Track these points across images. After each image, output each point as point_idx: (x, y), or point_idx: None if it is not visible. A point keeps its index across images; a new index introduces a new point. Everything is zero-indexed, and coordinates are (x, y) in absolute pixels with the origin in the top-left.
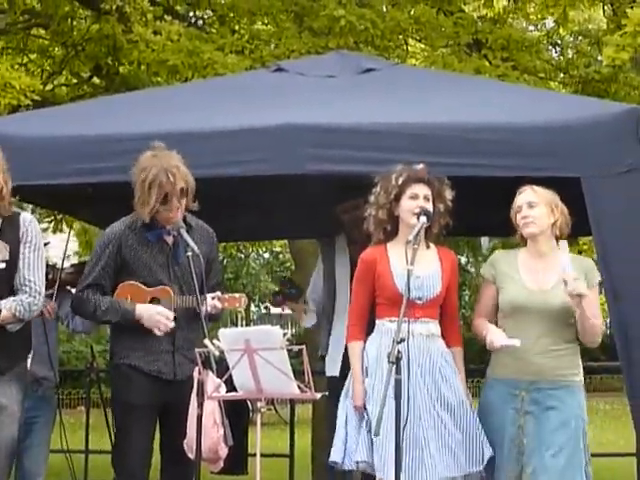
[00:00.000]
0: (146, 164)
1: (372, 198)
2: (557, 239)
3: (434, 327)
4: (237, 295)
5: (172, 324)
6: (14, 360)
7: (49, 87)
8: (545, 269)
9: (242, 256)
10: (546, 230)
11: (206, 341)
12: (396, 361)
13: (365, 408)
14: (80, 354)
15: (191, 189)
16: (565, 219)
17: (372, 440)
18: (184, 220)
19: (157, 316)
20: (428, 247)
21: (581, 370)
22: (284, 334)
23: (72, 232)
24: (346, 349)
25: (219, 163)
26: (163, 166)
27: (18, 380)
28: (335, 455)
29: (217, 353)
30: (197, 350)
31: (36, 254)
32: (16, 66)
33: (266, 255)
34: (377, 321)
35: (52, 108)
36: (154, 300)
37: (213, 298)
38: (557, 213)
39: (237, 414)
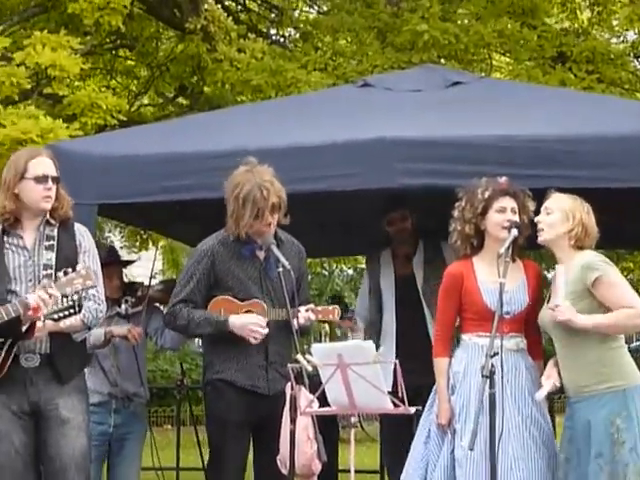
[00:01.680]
0: (240, 179)
1: (457, 213)
2: (580, 248)
3: (521, 342)
4: (330, 307)
5: (266, 331)
6: (76, 371)
7: (135, 107)
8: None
9: (326, 273)
10: (558, 239)
11: (299, 356)
12: (490, 375)
13: (449, 426)
14: (165, 373)
15: (283, 204)
16: (585, 229)
17: (454, 460)
18: (275, 235)
19: (251, 325)
20: (514, 260)
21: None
22: (377, 348)
23: (158, 250)
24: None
25: (308, 178)
26: (257, 181)
27: (79, 391)
28: (411, 474)
29: (309, 368)
30: (290, 365)
31: (95, 263)
32: (102, 87)
33: (350, 271)
34: (463, 337)
35: (138, 127)
36: (247, 313)
37: (307, 310)
38: (573, 222)
39: (328, 430)
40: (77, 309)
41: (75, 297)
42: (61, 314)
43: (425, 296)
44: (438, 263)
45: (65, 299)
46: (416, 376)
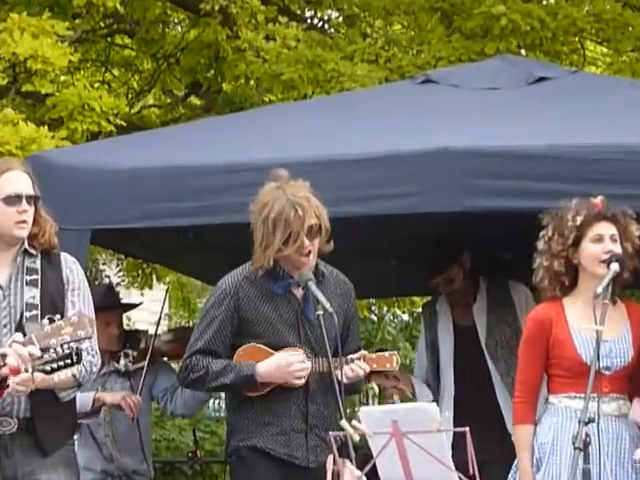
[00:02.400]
0: (268, 198)
1: (542, 244)
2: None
3: (624, 405)
4: (387, 354)
5: (309, 364)
6: (62, 439)
7: (136, 109)
8: None
9: (375, 318)
10: None
11: (343, 422)
12: (584, 447)
13: None
14: (172, 443)
15: (325, 227)
16: None
17: None
18: (316, 268)
19: (287, 362)
20: (615, 302)
21: None
22: (443, 413)
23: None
24: (457, 435)
25: (354, 198)
26: (289, 199)
27: (66, 464)
28: None
29: (357, 437)
30: (331, 434)
31: (88, 305)
32: (96, 83)
33: (405, 317)
34: (551, 399)
35: (140, 134)
36: None
37: (359, 358)
38: None
39: None
40: (76, 358)
41: (73, 344)
42: (56, 365)
43: (489, 350)
44: (505, 308)
45: (62, 348)
46: (480, 449)
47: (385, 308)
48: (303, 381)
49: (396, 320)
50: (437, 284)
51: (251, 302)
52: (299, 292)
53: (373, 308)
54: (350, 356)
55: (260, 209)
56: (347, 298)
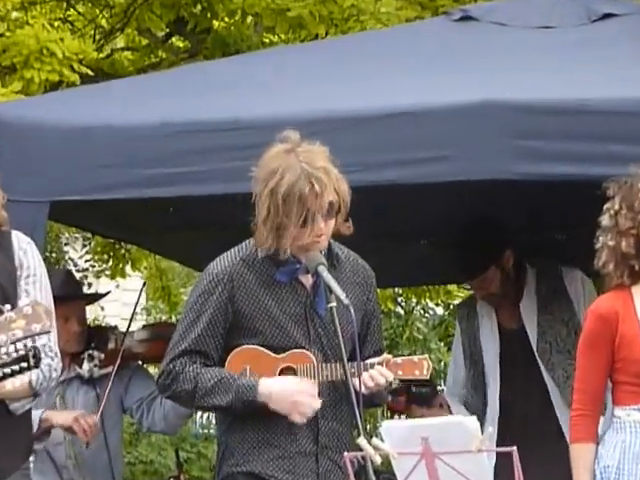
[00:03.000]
0: (278, 163)
1: (606, 220)
2: None
3: None
4: (416, 358)
5: (318, 403)
6: (15, 462)
7: (105, 53)
8: None
9: (401, 312)
10: None
11: (361, 440)
12: None
13: None
14: (149, 466)
15: (344, 203)
16: None
17: None
18: (329, 250)
19: (296, 394)
20: None
21: None
22: (485, 429)
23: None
24: (500, 457)
25: (375, 164)
26: (304, 169)
27: None
28: None
29: (378, 459)
30: (347, 455)
31: (45, 294)
32: (57, 22)
33: (439, 310)
34: (616, 411)
35: (110, 83)
36: (287, 371)
37: (380, 363)
38: None
39: None
40: (33, 361)
41: (28, 343)
42: (8, 369)
43: (542, 356)
44: (560, 303)
45: (14, 347)
46: (532, 472)
47: (414, 300)
48: (305, 420)
49: (428, 315)
50: (471, 288)
51: (249, 291)
52: (308, 280)
53: (399, 300)
54: (370, 360)
55: (266, 176)
56: (367, 288)
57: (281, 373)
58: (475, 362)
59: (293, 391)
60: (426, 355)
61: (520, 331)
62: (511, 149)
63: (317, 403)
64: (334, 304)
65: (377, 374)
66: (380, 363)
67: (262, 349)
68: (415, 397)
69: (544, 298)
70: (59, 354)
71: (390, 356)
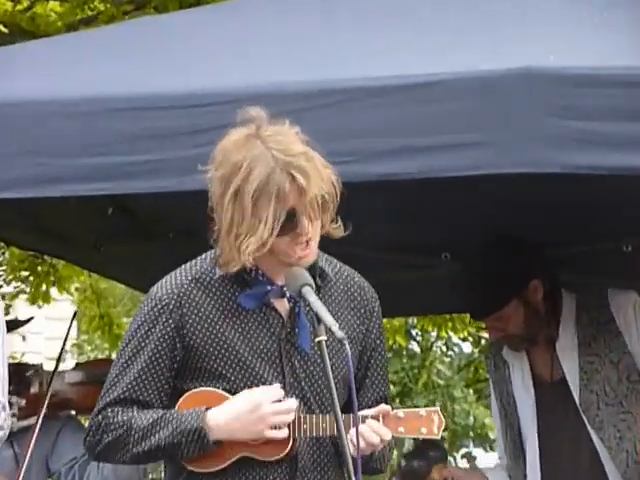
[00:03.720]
0: (241, 156)
1: None
2: None
3: None
4: (423, 410)
5: (293, 404)
6: None
7: (24, 5)
8: None
9: (417, 349)
10: None
11: None
12: None
13: None
14: None
15: (333, 197)
16: None
17: None
18: (314, 263)
19: (258, 406)
20: None
21: None
22: None
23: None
24: None
25: (379, 153)
26: (278, 157)
27: None
28: None
29: None
30: None
31: None
32: None
33: (466, 347)
34: None
35: (29, 44)
36: None
37: (375, 416)
38: None
39: None
40: None
41: None
42: None
43: (588, 412)
44: (607, 339)
45: None
46: None
47: (433, 333)
48: (285, 433)
49: (451, 353)
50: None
51: (204, 321)
52: (283, 306)
53: (413, 333)
54: (363, 412)
55: (227, 174)
56: (366, 315)
57: None
58: (510, 424)
59: (251, 404)
60: (437, 407)
61: (559, 380)
62: (557, 134)
63: (291, 403)
64: (324, 337)
65: (369, 431)
66: (376, 416)
67: (219, 391)
68: (405, 475)
69: (586, 334)
70: (7, 408)
71: (388, 407)
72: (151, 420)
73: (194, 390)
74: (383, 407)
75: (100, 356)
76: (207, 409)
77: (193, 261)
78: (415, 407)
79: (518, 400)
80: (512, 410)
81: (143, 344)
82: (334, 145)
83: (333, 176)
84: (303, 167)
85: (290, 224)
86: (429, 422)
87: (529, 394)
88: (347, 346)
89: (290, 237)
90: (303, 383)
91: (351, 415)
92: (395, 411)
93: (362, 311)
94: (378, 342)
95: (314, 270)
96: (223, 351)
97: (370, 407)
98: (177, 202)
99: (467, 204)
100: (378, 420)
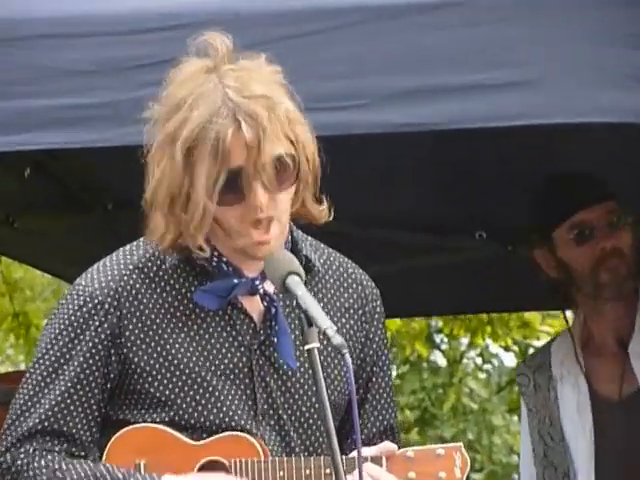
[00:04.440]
0: (187, 92)
1: None
2: None
3: None
4: (441, 449)
5: None
6: None
7: None
8: None
9: (442, 361)
10: None
11: None
12: None
13: None
14: None
15: (311, 163)
16: None
17: None
18: (294, 249)
19: None
20: None
21: None
22: None
23: None
24: None
25: (383, 94)
26: (229, 97)
27: None
28: None
29: None
30: None
31: None
32: None
33: (507, 358)
34: None
35: None
36: (211, 468)
37: (376, 458)
38: None
39: None
40: None
41: None
42: None
43: None
44: None
45: None
46: None
47: (463, 340)
48: None
49: (489, 365)
50: (578, 238)
51: (149, 327)
52: (255, 306)
53: (437, 340)
54: (368, 451)
55: (167, 113)
56: (366, 317)
57: (201, 469)
58: (552, 464)
59: None
60: (460, 444)
61: (632, 395)
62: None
63: None
64: (316, 344)
65: (366, 477)
66: (377, 458)
67: (169, 430)
68: None
69: None
70: None
71: (394, 446)
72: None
73: (133, 427)
74: (386, 445)
75: (11, 369)
76: (159, 475)
77: (135, 243)
78: (440, 439)
79: (568, 430)
80: (556, 445)
81: (67, 356)
82: (333, 85)
83: (309, 135)
84: (256, 114)
85: (235, 190)
86: (449, 463)
87: (585, 418)
88: (347, 356)
89: (239, 210)
90: (281, 411)
91: (344, 457)
92: (403, 450)
93: (360, 313)
94: (380, 353)
95: (297, 256)
96: (173, 368)
97: (371, 442)
98: (116, 162)
99: (504, 167)
100: (380, 463)
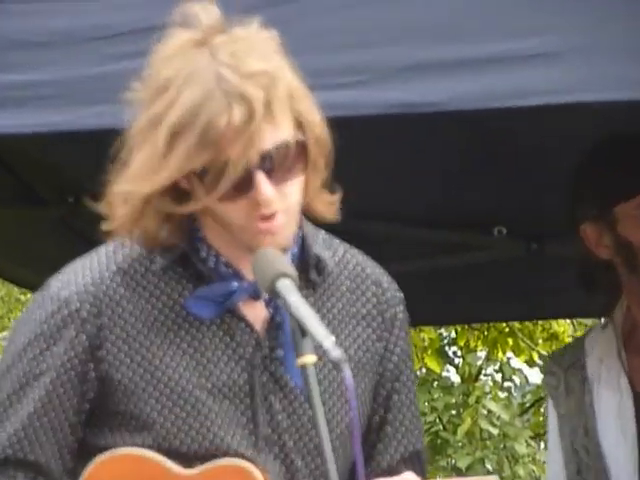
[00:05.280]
0: (175, 69)
1: None
2: None
3: None
4: None
5: None
6: None
7: None
8: None
9: (456, 378)
10: None
11: None
12: None
13: None
14: None
15: (321, 150)
16: None
17: None
18: (301, 247)
19: None
20: None
21: None
22: None
23: None
24: None
25: (391, 68)
26: (223, 75)
27: None
28: None
29: None
30: None
31: None
32: None
33: (532, 375)
34: None
35: None
36: None
37: None
38: None
39: None
40: None
41: None
42: None
43: None
44: None
45: None
46: None
47: (481, 353)
48: None
49: (511, 383)
50: (620, 242)
51: (133, 338)
52: (259, 313)
53: (450, 353)
54: None
55: (152, 94)
56: (386, 324)
57: None
58: (588, 465)
59: None
60: (496, 476)
61: None
62: None
63: None
64: (312, 358)
65: None
66: None
67: (156, 457)
68: None
69: None
70: None
71: (415, 477)
72: None
73: (110, 453)
74: (407, 476)
75: None
76: None
77: (115, 242)
78: (456, 470)
79: (607, 441)
80: (593, 459)
81: (36, 371)
82: (329, 59)
83: (318, 117)
84: (255, 96)
85: (234, 184)
86: None
87: (628, 426)
88: (348, 371)
89: (242, 205)
90: (286, 436)
91: None
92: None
93: (379, 320)
94: (404, 367)
95: (305, 258)
96: (161, 385)
97: (394, 470)
98: (79, 149)
99: (524, 153)
100: None
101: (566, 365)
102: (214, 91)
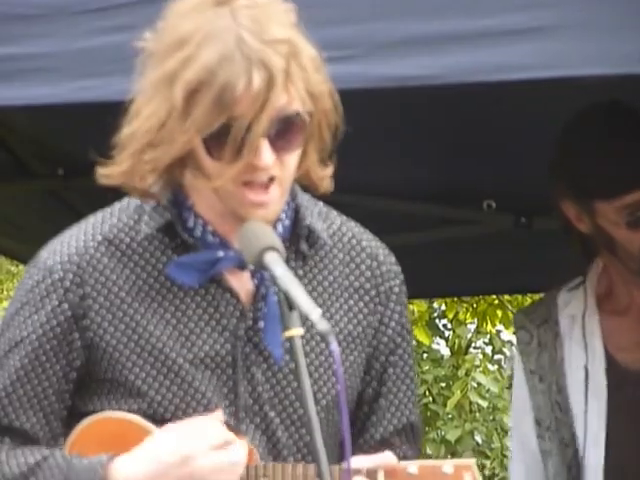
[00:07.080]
0: (193, 26)
1: None
2: None
3: None
4: (449, 466)
5: (241, 456)
6: None
7: None
8: None
9: (445, 351)
10: None
11: None
12: None
13: None
14: None
15: (327, 122)
16: None
17: None
18: (295, 218)
19: (195, 460)
20: None
21: None
22: None
23: None
24: None
25: (392, 42)
26: (244, 38)
27: None
28: None
29: None
30: None
31: None
32: None
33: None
34: None
35: None
36: None
37: (372, 473)
38: None
39: None
40: None
41: None
42: None
43: None
44: None
45: None
46: None
47: (470, 325)
48: None
49: (501, 356)
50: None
51: (118, 307)
52: (244, 283)
53: (440, 325)
54: (359, 461)
55: (167, 50)
56: (381, 297)
57: None
58: (562, 439)
59: (178, 454)
60: (472, 461)
61: None
62: None
63: (239, 454)
64: (299, 331)
65: None
66: (373, 471)
67: (140, 421)
68: None
69: None
70: None
71: (393, 459)
72: (25, 469)
73: (96, 416)
74: (386, 457)
75: None
76: (111, 457)
77: (110, 210)
78: (445, 442)
79: (576, 403)
80: (564, 415)
81: (18, 339)
82: (321, 33)
83: (328, 88)
84: (274, 63)
85: (235, 144)
86: (466, 473)
87: (598, 389)
88: (334, 343)
89: (236, 168)
90: (268, 407)
91: (337, 467)
92: (406, 463)
93: (373, 293)
94: (399, 340)
95: (297, 228)
96: (145, 354)
97: (387, 442)
98: (68, 122)
99: (514, 127)
100: (376, 478)
101: (538, 321)
102: (234, 53)
